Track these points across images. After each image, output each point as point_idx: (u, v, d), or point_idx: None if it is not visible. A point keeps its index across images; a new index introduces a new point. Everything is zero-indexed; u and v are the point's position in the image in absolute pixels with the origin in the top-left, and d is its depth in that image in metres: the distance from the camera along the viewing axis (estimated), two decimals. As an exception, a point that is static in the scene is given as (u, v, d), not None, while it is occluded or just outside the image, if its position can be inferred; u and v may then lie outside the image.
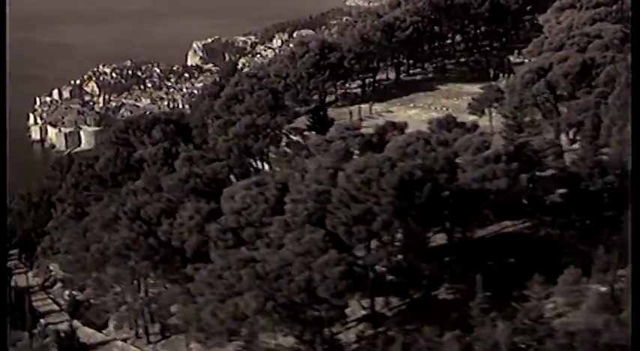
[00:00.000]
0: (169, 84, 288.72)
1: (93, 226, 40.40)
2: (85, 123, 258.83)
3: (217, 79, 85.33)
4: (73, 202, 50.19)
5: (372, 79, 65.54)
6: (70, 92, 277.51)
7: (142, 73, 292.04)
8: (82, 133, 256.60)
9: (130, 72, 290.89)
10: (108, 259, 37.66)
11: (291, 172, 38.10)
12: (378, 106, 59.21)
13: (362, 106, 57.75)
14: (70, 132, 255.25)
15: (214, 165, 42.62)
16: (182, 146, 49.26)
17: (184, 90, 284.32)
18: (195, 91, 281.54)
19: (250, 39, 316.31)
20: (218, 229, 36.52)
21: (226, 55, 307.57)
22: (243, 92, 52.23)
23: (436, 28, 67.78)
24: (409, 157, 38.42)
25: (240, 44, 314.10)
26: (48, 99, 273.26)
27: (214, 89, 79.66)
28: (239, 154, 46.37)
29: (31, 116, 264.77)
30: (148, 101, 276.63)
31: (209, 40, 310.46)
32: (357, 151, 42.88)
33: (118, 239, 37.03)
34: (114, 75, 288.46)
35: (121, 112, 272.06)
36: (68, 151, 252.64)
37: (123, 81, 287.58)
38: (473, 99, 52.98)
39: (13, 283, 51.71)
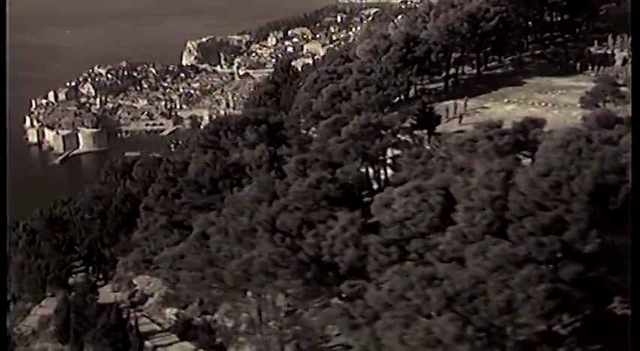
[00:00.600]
0: (165, 84, 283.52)
1: (218, 239, 35.76)
2: (83, 125, 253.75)
3: (271, 77, 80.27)
4: (165, 211, 45.46)
5: (449, 74, 61.07)
6: (66, 94, 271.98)
7: (138, 74, 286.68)
8: (79, 135, 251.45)
9: (125, 73, 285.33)
10: (250, 277, 33.04)
11: (451, 176, 33.68)
12: (469, 102, 54.88)
13: (457, 102, 53.19)
14: (67, 134, 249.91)
15: (346, 168, 38.17)
16: (284, 148, 44.71)
17: (181, 90, 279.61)
18: (192, 92, 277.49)
19: (245, 38, 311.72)
20: (379, 242, 32.01)
21: (221, 54, 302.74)
22: (346, 89, 47.80)
23: (518, 19, 63.49)
24: (571, 156, 33.99)
25: (235, 43, 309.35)
26: (44, 101, 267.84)
27: (270, 87, 75.37)
28: (356, 157, 41.77)
29: (28, 119, 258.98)
30: (145, 102, 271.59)
31: (204, 40, 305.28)
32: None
33: (263, 254, 32.45)
34: (109, 76, 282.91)
35: (119, 113, 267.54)
36: (66, 153, 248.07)
37: (119, 82, 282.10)
38: (586, 92, 48.82)
39: (98, 299, 47.04)
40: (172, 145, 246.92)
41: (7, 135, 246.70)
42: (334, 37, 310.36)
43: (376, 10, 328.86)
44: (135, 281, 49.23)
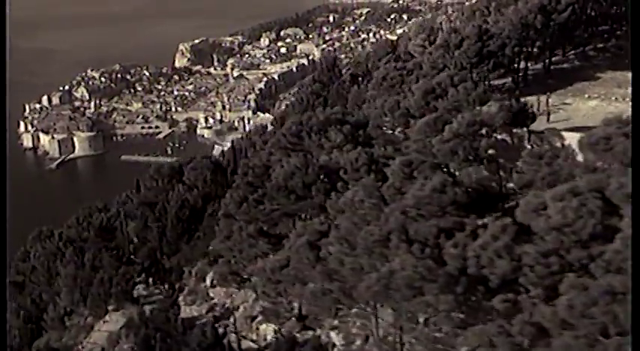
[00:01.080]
0: (160, 87, 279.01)
1: (338, 249, 32.31)
2: (78, 129, 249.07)
3: (316, 76, 76.68)
4: (249, 219, 41.94)
5: (519, 69, 57.91)
6: (60, 98, 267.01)
7: (132, 77, 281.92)
8: (75, 139, 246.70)
9: (119, 76, 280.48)
10: (391, 292, 29.64)
11: (602, 177, 30.45)
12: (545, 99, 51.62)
13: (539, 98, 49.93)
14: (63, 138, 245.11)
15: (470, 170, 34.94)
16: (377, 149, 41.44)
17: (175, 92, 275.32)
18: (187, 94, 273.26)
19: (237, 39, 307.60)
20: (537, 252, 28.69)
21: (214, 56, 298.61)
22: (440, 85, 44.46)
23: (586, 10, 60.46)
24: None
25: (228, 45, 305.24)
26: (37, 106, 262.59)
27: (317, 87, 72.01)
28: (465, 157, 38.45)
29: (22, 124, 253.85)
30: (140, 105, 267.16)
31: (196, 42, 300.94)
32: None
33: (407, 267, 29.05)
34: (103, 79, 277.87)
35: (113, 116, 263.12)
36: (62, 157, 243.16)
37: (112, 85, 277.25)
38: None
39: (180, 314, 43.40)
40: (170, 148, 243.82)
41: (6, 136, 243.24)
42: (327, 37, 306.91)
43: (368, 9, 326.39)
44: (212, 294, 45.66)
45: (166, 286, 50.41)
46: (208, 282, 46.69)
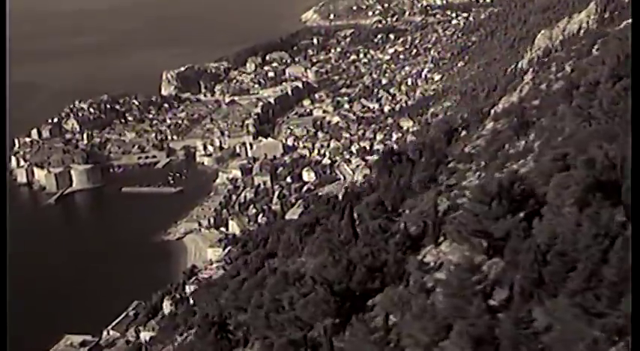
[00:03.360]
0: (151, 116, 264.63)
1: None
2: (73, 161, 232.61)
3: (571, 80, 66.05)
4: None
5: None
6: (50, 131, 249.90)
7: (121, 107, 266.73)
8: (72, 172, 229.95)
9: (107, 106, 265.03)
10: None
11: None
12: None
13: None
14: (60, 172, 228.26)
15: None
16: None
17: (168, 121, 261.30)
18: (180, 122, 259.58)
19: (223, 65, 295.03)
20: None
21: (201, 82, 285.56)
22: None
23: None
24: None
25: (213, 71, 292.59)
26: (28, 139, 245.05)
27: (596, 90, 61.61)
28: None
29: (13, 159, 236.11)
30: (134, 135, 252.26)
31: (182, 69, 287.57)
32: None
33: None
34: (92, 110, 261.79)
35: (108, 147, 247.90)
36: (60, 192, 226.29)
37: (102, 116, 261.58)
38: None
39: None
40: (171, 178, 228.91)
41: (6, 137, 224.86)
42: (314, 60, 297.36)
43: (352, 31, 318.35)
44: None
45: None
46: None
